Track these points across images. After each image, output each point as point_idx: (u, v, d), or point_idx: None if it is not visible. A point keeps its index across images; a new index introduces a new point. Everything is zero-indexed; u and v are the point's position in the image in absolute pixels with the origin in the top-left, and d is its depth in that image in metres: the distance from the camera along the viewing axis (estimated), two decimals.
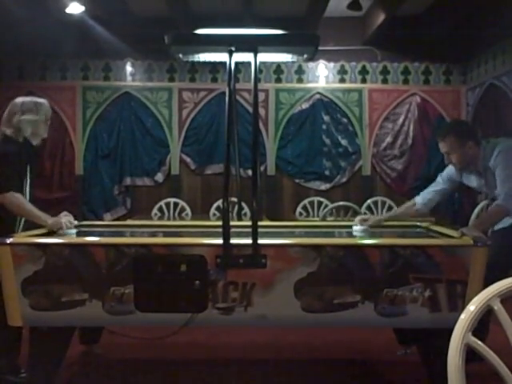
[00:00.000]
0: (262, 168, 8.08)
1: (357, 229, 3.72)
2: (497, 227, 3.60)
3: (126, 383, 3.45)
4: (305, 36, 3.24)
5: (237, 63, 3.07)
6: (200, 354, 4.00)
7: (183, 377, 3.56)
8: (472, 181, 3.74)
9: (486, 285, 1.36)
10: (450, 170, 3.81)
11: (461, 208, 7.51)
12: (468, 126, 3.81)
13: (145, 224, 3.94)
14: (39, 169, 3.81)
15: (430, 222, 3.70)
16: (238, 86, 3.80)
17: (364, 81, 8.31)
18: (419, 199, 3.84)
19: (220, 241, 2.79)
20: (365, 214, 6.84)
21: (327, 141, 8.26)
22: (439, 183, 3.84)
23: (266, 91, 8.21)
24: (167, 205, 7.16)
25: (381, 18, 7.15)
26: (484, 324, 1.32)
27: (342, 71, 8.31)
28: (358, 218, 3.85)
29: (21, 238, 2.95)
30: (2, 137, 3.51)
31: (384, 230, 4.08)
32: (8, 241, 2.84)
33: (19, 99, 3.59)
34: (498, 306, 1.28)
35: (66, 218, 3.33)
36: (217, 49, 3.08)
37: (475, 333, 1.27)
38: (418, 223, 3.93)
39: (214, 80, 8.26)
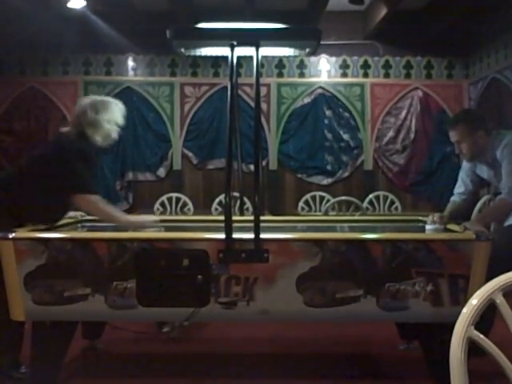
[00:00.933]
0: (263, 163, 8.07)
1: (431, 227, 3.55)
2: (507, 223, 3.58)
3: (129, 378, 3.46)
4: (307, 30, 3.24)
5: (239, 57, 3.07)
6: (202, 348, 4.01)
7: (186, 371, 3.57)
8: (483, 171, 3.73)
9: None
10: (464, 166, 3.81)
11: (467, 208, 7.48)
12: (479, 115, 3.80)
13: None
14: None
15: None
16: (239, 80, 3.79)
17: (366, 75, 8.30)
18: (457, 198, 3.84)
19: (222, 235, 2.79)
20: (367, 209, 6.84)
21: (329, 135, 8.25)
22: (461, 179, 3.84)
23: (268, 86, 8.20)
24: (169, 200, 7.16)
25: (383, 11, 7.13)
26: (488, 319, 1.32)
27: (344, 65, 8.30)
28: (433, 215, 3.61)
29: (23, 232, 2.96)
30: (77, 134, 3.38)
31: (386, 224, 4.09)
32: (10, 236, 2.84)
33: (89, 98, 3.52)
34: (500, 300, 1.28)
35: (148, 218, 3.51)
36: (219, 43, 3.08)
37: (478, 327, 1.27)
38: (421, 217, 3.93)
39: (216, 74, 8.25)
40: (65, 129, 3.48)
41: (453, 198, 3.87)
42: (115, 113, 3.47)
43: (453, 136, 3.65)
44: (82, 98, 3.55)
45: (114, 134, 3.49)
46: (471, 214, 4.42)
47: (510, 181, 3.44)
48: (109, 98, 3.56)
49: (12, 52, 7.98)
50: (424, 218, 3.88)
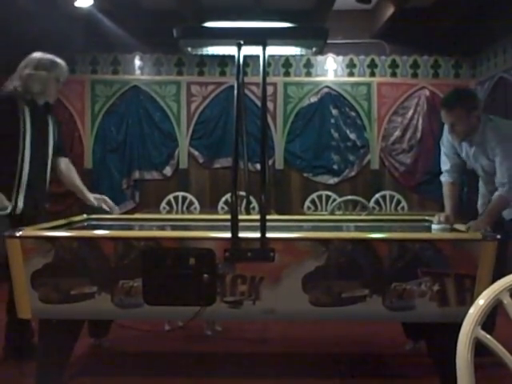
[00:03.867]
0: (270, 162, 8.06)
1: (437, 227, 3.48)
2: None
3: (135, 376, 3.47)
4: (313, 29, 3.24)
5: (245, 57, 3.07)
6: (208, 347, 4.01)
7: (191, 370, 3.58)
8: (462, 148, 3.71)
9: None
10: (445, 140, 3.79)
11: (469, 202, 7.47)
12: (475, 95, 3.76)
13: (153, 218, 3.95)
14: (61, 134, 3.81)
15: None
16: (246, 79, 3.79)
17: (373, 74, 8.28)
18: (449, 178, 3.81)
19: (228, 234, 2.79)
20: (373, 208, 6.83)
21: (335, 135, 8.24)
22: (446, 156, 3.82)
23: (275, 85, 8.19)
24: (175, 198, 7.17)
25: (390, 11, 7.11)
26: (491, 318, 1.31)
27: (351, 65, 8.28)
28: (439, 215, 3.56)
29: (30, 231, 2.97)
30: (6, 91, 3.47)
31: (392, 223, 4.08)
32: (18, 234, 2.85)
33: (37, 54, 3.56)
34: (507, 300, 1.28)
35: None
36: (225, 42, 3.09)
37: (482, 327, 1.27)
38: (427, 217, 3.92)
39: (223, 73, 8.25)
40: (7, 82, 3.58)
41: (443, 179, 3.84)
42: (52, 72, 3.51)
43: (447, 117, 3.58)
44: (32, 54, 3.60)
45: (48, 92, 3.53)
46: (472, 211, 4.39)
47: (508, 178, 3.41)
48: (53, 58, 3.59)
49: (19, 51, 7.98)
50: (430, 218, 3.87)
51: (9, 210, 3.29)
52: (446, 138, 3.80)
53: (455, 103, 3.58)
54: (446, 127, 3.76)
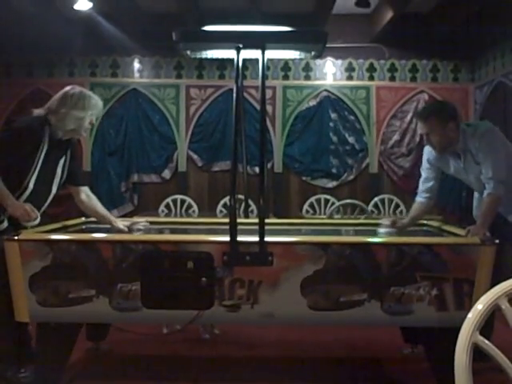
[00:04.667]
0: (268, 165, 8.06)
1: (383, 231, 3.63)
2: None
3: (133, 379, 3.46)
4: (313, 33, 3.24)
5: (244, 60, 3.07)
6: (206, 351, 4.01)
7: (190, 373, 3.57)
8: (449, 165, 3.71)
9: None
10: (427, 158, 3.79)
11: (468, 206, 7.45)
12: (450, 107, 3.78)
13: (152, 221, 3.93)
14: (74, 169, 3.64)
15: (441, 222, 3.66)
16: (245, 82, 3.81)
17: (372, 78, 8.28)
18: (420, 198, 3.82)
19: (227, 238, 2.79)
20: (372, 212, 6.83)
21: (334, 138, 8.24)
22: (425, 180, 3.82)
23: (274, 88, 8.20)
24: (174, 202, 7.17)
25: (389, 15, 7.12)
26: (489, 323, 1.31)
27: (350, 68, 8.29)
28: (385, 219, 3.75)
29: (28, 234, 2.96)
30: (36, 118, 3.34)
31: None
32: (16, 237, 2.85)
33: (74, 90, 3.41)
34: (505, 305, 1.28)
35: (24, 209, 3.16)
36: (224, 45, 3.09)
37: (480, 331, 1.27)
38: (425, 221, 3.93)
39: (222, 77, 8.25)
40: (36, 110, 3.42)
41: (417, 199, 3.86)
42: (88, 111, 3.38)
43: (422, 128, 3.62)
44: (69, 86, 3.46)
45: (81, 130, 3.42)
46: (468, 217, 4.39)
47: (492, 173, 3.41)
48: (90, 95, 3.44)
49: (18, 54, 8.00)
50: (429, 222, 3.88)
51: (37, 222, 3.24)
52: (426, 162, 3.80)
53: (429, 113, 3.64)
54: (425, 151, 3.82)
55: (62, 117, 3.33)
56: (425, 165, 3.82)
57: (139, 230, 3.59)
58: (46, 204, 3.46)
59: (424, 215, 3.89)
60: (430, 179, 3.80)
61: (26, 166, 3.27)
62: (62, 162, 3.46)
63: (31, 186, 3.28)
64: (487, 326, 1.31)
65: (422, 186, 3.84)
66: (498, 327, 2.81)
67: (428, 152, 3.77)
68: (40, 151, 3.29)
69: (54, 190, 3.46)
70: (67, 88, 3.43)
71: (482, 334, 1.26)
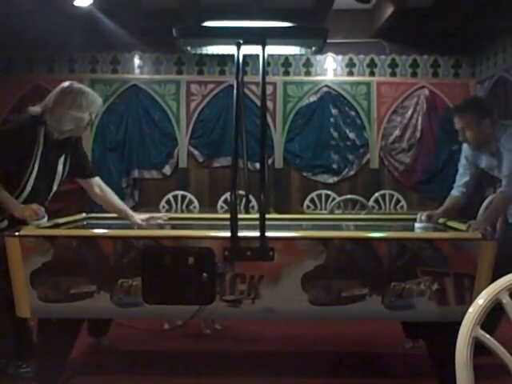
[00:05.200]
0: (269, 161, 8.07)
1: (419, 226, 3.56)
2: None
3: (134, 375, 3.47)
4: (313, 29, 3.24)
5: (245, 56, 3.07)
6: (207, 346, 4.01)
7: (191, 368, 3.58)
8: (482, 161, 3.71)
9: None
10: (464, 155, 3.79)
11: (470, 203, 7.44)
12: (486, 104, 3.79)
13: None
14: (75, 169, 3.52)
15: (445, 218, 3.65)
16: (245, 78, 3.79)
17: (372, 74, 8.28)
18: (455, 192, 3.81)
19: (228, 233, 2.79)
20: (372, 207, 6.83)
21: (335, 134, 8.24)
22: (462, 175, 3.81)
23: (274, 84, 8.19)
24: (175, 197, 7.16)
25: (389, 10, 7.10)
26: (494, 318, 1.31)
27: (351, 64, 8.28)
28: (421, 214, 3.64)
29: (29, 230, 2.96)
30: (33, 119, 3.18)
31: (392, 223, 4.08)
32: (17, 233, 2.85)
33: (72, 87, 3.22)
34: (506, 300, 1.28)
35: (31, 209, 3.11)
36: (225, 41, 3.09)
37: (484, 326, 1.27)
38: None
39: (222, 73, 8.25)
40: (33, 108, 3.25)
41: (452, 192, 3.85)
42: (87, 110, 3.22)
43: (458, 122, 3.62)
44: (66, 83, 3.26)
45: (80, 130, 3.28)
46: (477, 212, 4.40)
47: (508, 171, 3.41)
48: (89, 93, 3.25)
49: (19, 50, 8.00)
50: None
51: (46, 220, 3.22)
52: (464, 159, 3.80)
53: (465, 108, 3.66)
54: (463, 147, 3.81)
55: (58, 117, 3.16)
56: (462, 161, 3.83)
57: (157, 224, 3.56)
58: (47, 202, 3.41)
59: (456, 209, 3.86)
60: (465, 175, 3.80)
61: (23, 166, 3.16)
62: (62, 159, 3.36)
63: (30, 185, 3.21)
64: (491, 320, 1.31)
65: (458, 181, 3.84)
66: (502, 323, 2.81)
67: (466, 149, 3.78)
68: (36, 151, 3.17)
69: (55, 187, 3.40)
70: (65, 84, 3.25)
71: (485, 329, 1.26)
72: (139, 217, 3.57)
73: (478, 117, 3.55)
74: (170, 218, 3.84)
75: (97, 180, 3.61)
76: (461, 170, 3.84)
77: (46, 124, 3.19)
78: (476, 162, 3.76)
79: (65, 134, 3.26)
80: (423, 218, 3.58)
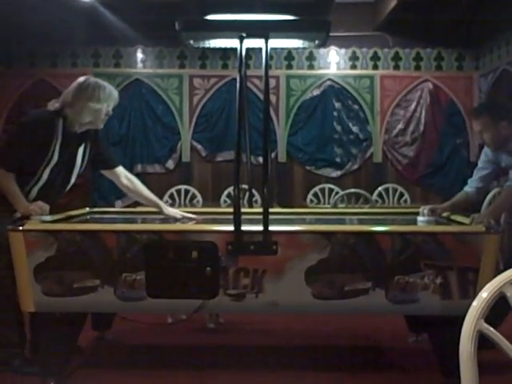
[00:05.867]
0: (272, 155, 8.06)
1: (422, 219, 3.55)
2: None
3: (138, 369, 3.47)
4: (316, 22, 3.23)
5: (248, 49, 3.06)
6: (211, 340, 4.02)
7: (195, 362, 3.58)
8: (502, 160, 3.71)
9: None
10: (485, 152, 3.78)
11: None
12: (503, 105, 3.81)
13: (156, 211, 3.93)
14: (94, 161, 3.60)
15: (449, 212, 3.64)
16: (248, 72, 3.79)
17: (375, 67, 8.26)
18: (469, 189, 3.80)
19: (231, 227, 2.79)
20: (376, 201, 6.82)
21: (338, 128, 8.23)
22: (480, 168, 3.80)
23: (277, 78, 8.18)
24: (178, 192, 7.17)
25: (392, 3, 7.08)
26: (500, 312, 1.31)
27: (354, 57, 8.26)
28: (424, 207, 3.64)
29: (33, 224, 2.97)
30: (53, 112, 3.29)
31: (395, 216, 4.07)
32: (20, 227, 2.86)
33: (89, 81, 3.32)
34: (511, 293, 1.27)
35: (36, 205, 3.17)
36: (228, 35, 3.08)
37: (489, 320, 1.26)
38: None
39: (225, 66, 8.24)
40: (50, 103, 3.35)
41: (465, 188, 3.85)
42: (104, 103, 3.30)
43: (476, 125, 3.67)
44: (82, 77, 3.36)
45: (98, 122, 3.36)
46: (480, 206, 4.40)
47: None
48: (105, 86, 3.34)
49: (21, 44, 8.00)
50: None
51: (49, 218, 3.25)
52: (484, 155, 3.79)
53: (482, 111, 3.68)
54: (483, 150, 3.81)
55: (78, 110, 3.25)
56: (482, 157, 3.83)
57: (190, 219, 3.56)
58: (64, 192, 3.49)
59: (464, 205, 3.85)
60: (484, 169, 3.79)
61: (40, 157, 3.25)
62: (81, 151, 3.42)
63: (45, 176, 3.28)
64: (497, 314, 1.31)
65: (474, 175, 3.83)
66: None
67: (486, 150, 3.78)
68: (54, 144, 3.25)
69: (73, 179, 3.47)
70: (81, 79, 3.34)
71: (490, 321, 1.26)
72: (173, 210, 3.65)
73: (495, 119, 3.56)
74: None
75: (121, 170, 3.70)
76: (480, 164, 3.83)
77: (66, 117, 3.29)
78: (496, 160, 3.75)
79: (85, 126, 3.36)
80: (426, 211, 3.58)
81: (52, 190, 3.34)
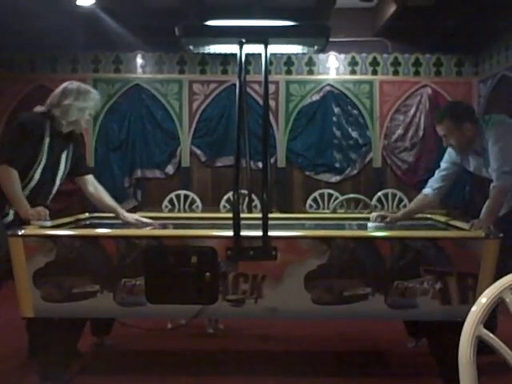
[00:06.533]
0: (272, 160, 8.06)
1: (372, 225, 3.63)
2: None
3: (137, 374, 3.47)
4: (316, 27, 3.24)
5: (247, 55, 3.07)
6: (210, 345, 4.01)
7: (194, 368, 3.58)
8: (470, 163, 3.69)
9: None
10: (449, 153, 3.77)
11: (472, 200, 7.48)
12: (464, 107, 3.77)
13: (155, 216, 3.94)
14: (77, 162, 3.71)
15: (447, 217, 3.65)
16: (248, 77, 3.80)
17: (375, 72, 8.27)
18: (428, 190, 3.78)
19: (230, 233, 2.79)
20: (375, 206, 6.83)
21: (338, 133, 8.23)
22: (443, 169, 3.79)
23: (277, 83, 8.19)
24: (178, 197, 7.16)
25: (392, 8, 7.09)
26: (493, 317, 1.31)
27: (353, 63, 8.27)
28: (375, 214, 3.75)
29: (33, 229, 2.97)
30: (41, 113, 3.48)
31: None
32: (20, 232, 2.86)
33: (74, 83, 3.56)
34: (510, 299, 1.28)
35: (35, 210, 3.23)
36: (227, 40, 3.09)
37: (485, 325, 1.26)
38: (429, 215, 3.92)
39: (225, 72, 8.25)
40: (38, 107, 3.55)
41: (423, 191, 3.82)
42: (89, 102, 3.52)
43: (439, 130, 3.63)
44: (67, 82, 3.58)
45: (83, 122, 3.54)
46: (479, 211, 4.39)
47: (498, 163, 3.39)
48: (89, 88, 3.59)
49: (21, 50, 8.01)
50: (432, 216, 3.88)
51: (49, 223, 3.27)
52: (448, 155, 3.79)
53: (443, 115, 3.64)
54: (448, 149, 3.81)
55: (65, 108, 3.43)
56: (445, 157, 3.82)
57: (145, 224, 3.62)
58: (51, 195, 3.57)
59: (424, 209, 3.86)
60: (446, 169, 3.78)
61: (31, 158, 3.36)
62: (64, 155, 3.55)
63: (37, 176, 3.38)
64: (492, 319, 1.31)
65: (435, 174, 3.82)
66: (502, 320, 2.81)
67: (451, 150, 3.77)
68: (43, 144, 3.39)
69: (58, 182, 3.56)
70: (66, 83, 3.55)
71: (486, 327, 1.26)
72: (130, 215, 3.73)
73: (457, 122, 3.54)
74: (173, 218, 3.85)
75: (91, 178, 3.79)
76: (443, 164, 3.81)
77: (53, 118, 3.45)
78: (463, 163, 3.74)
79: (70, 125, 3.50)
80: (375, 217, 3.66)
81: (42, 191, 3.44)
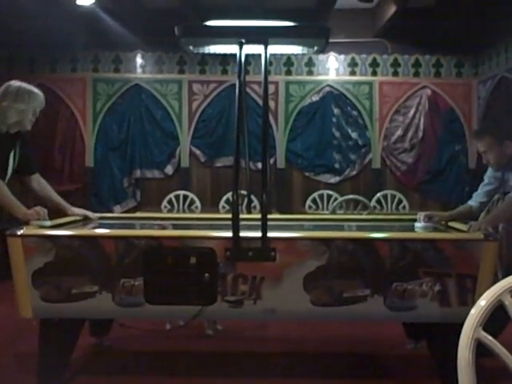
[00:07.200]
0: (271, 161, 8.06)
1: (420, 225, 3.54)
2: None
3: (136, 375, 3.47)
4: (315, 28, 3.24)
5: (247, 55, 3.07)
6: (209, 346, 4.01)
7: (193, 369, 3.58)
8: (510, 178, 3.69)
9: None
10: (488, 174, 3.77)
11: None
12: (505, 124, 3.77)
13: (154, 216, 3.94)
14: (30, 158, 3.71)
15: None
16: (247, 78, 3.79)
17: (374, 73, 8.27)
18: (473, 202, 3.79)
19: (229, 234, 2.79)
20: (374, 207, 6.82)
21: (337, 134, 8.23)
22: (487, 183, 3.78)
23: (276, 83, 8.19)
24: (177, 197, 7.16)
25: (392, 10, 7.10)
26: (499, 321, 1.31)
27: (353, 64, 8.27)
28: (422, 214, 3.64)
29: (31, 230, 2.96)
30: None
31: (394, 223, 4.07)
32: (19, 233, 2.85)
33: (15, 84, 3.48)
34: (509, 301, 1.27)
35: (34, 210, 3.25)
36: (227, 41, 3.09)
37: (489, 328, 1.26)
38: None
39: (224, 72, 8.24)
40: None
41: (470, 201, 3.83)
42: (31, 104, 3.45)
43: (480, 147, 3.64)
44: (10, 82, 3.51)
45: (25, 123, 3.46)
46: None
47: None
48: (30, 88, 3.49)
49: (21, 49, 8.00)
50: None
51: (49, 223, 3.26)
52: (490, 171, 3.79)
53: (484, 132, 3.65)
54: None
55: (3, 110, 3.39)
56: (488, 173, 3.80)
57: (91, 219, 3.71)
58: None
59: (466, 218, 3.83)
60: (489, 184, 3.77)
61: None
62: (12, 154, 3.52)
63: None
64: (497, 323, 1.30)
65: (480, 189, 3.82)
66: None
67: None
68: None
69: (6, 181, 3.52)
70: (7, 83, 3.48)
71: (490, 330, 1.26)
72: (78, 210, 3.74)
73: (498, 139, 3.54)
74: (172, 218, 3.84)
75: (36, 175, 3.75)
76: (486, 180, 3.80)
77: None
78: (503, 177, 3.73)
79: (12, 127, 3.45)
80: (423, 217, 3.57)
81: None
